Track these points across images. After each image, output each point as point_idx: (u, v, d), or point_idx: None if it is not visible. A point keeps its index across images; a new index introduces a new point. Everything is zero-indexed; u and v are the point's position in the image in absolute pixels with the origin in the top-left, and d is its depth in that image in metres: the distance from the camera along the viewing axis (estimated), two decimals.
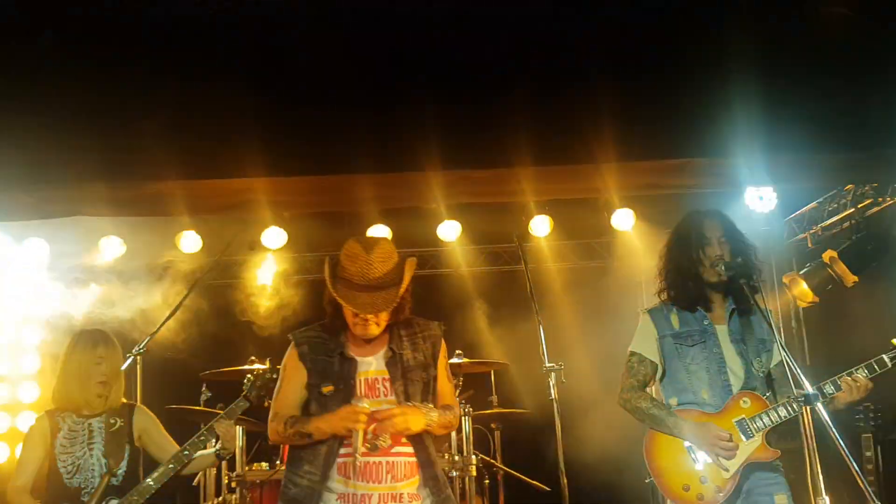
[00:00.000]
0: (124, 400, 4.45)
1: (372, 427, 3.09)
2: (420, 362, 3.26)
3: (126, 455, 4.23)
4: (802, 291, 6.64)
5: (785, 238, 7.36)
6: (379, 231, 7.05)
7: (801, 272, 6.72)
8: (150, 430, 4.37)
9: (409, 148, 4.19)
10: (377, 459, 3.15)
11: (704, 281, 3.70)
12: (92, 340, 4.35)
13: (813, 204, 6.94)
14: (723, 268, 3.60)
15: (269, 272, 7.27)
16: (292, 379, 3.29)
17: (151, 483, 4.12)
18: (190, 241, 6.91)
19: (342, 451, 3.16)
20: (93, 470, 4.16)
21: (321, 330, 3.32)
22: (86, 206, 4.56)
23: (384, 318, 3.20)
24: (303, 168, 4.30)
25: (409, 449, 3.21)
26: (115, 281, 6.54)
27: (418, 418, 3.11)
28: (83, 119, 3.98)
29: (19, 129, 4.01)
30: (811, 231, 7.04)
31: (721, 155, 4.33)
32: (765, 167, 4.50)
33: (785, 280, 6.80)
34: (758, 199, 6.84)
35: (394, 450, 3.18)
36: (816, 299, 6.60)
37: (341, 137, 4.23)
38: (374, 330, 3.20)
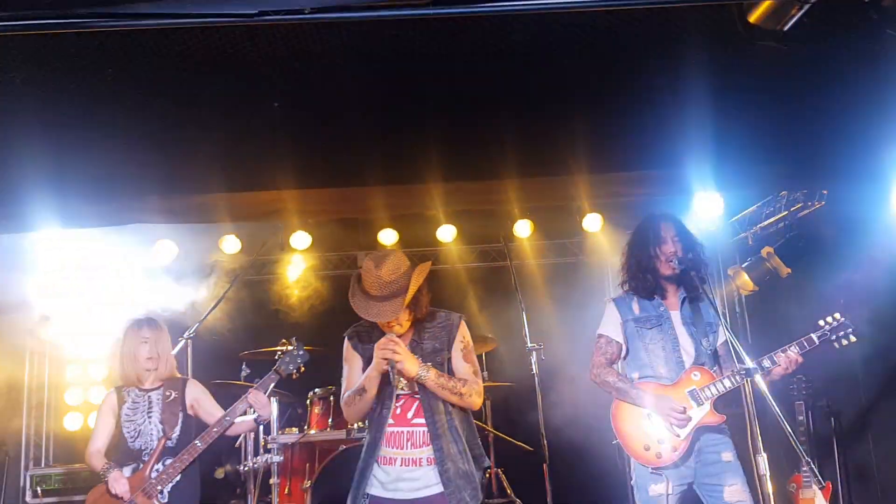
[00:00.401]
0: (178, 374, 4.46)
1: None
2: (436, 348, 3.25)
3: (180, 422, 4.24)
4: (744, 282, 6.63)
5: (729, 237, 7.34)
6: (388, 234, 7.08)
7: (743, 265, 6.70)
8: (201, 399, 4.37)
9: (414, 164, 4.19)
10: (400, 429, 3.17)
11: (660, 273, 3.70)
12: (138, 325, 4.37)
13: (753, 207, 6.90)
14: (676, 262, 3.60)
15: (297, 269, 7.27)
16: (353, 365, 3.31)
17: (199, 444, 4.14)
18: (231, 244, 6.90)
19: (389, 422, 3.18)
20: (151, 434, 4.18)
21: (365, 325, 3.32)
22: (144, 214, 4.56)
23: (403, 318, 3.18)
24: (325, 181, 4.30)
25: (423, 420, 3.20)
26: (170, 278, 6.55)
27: (412, 364, 3.10)
28: (144, 141, 3.97)
29: (90, 149, 4.00)
30: (751, 231, 7.01)
31: (675, 167, 4.32)
32: (711, 176, 4.50)
33: (729, 272, 6.79)
34: (706, 203, 6.85)
35: (414, 420, 3.18)
36: (756, 288, 6.58)
37: (357, 156, 4.22)
38: (398, 329, 3.18)
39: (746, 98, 4.21)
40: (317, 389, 5.80)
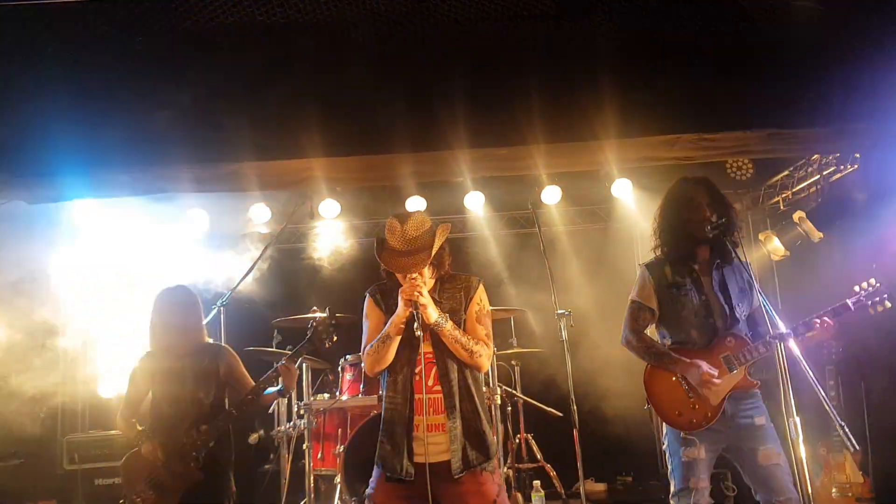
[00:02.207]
0: (210, 340, 4.51)
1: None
2: (453, 308, 3.31)
3: (214, 388, 4.27)
4: (776, 247, 6.60)
5: (761, 202, 7.28)
6: (415, 201, 7.07)
7: (775, 230, 6.68)
8: (233, 366, 4.39)
9: (441, 131, 4.19)
10: (420, 396, 3.22)
11: (693, 238, 3.67)
12: (170, 293, 4.40)
13: (785, 172, 6.84)
14: (709, 227, 3.57)
15: (326, 237, 7.31)
16: (373, 318, 3.37)
17: (234, 411, 4.21)
18: (261, 213, 6.93)
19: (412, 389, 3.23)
20: (185, 400, 4.21)
21: (387, 284, 3.38)
22: (174, 183, 4.59)
23: (427, 274, 3.27)
24: (353, 150, 4.30)
25: (439, 387, 3.25)
26: (202, 247, 6.60)
27: (433, 310, 3.17)
28: (173, 111, 4.00)
29: (120, 119, 4.04)
30: (783, 195, 6.96)
31: (707, 131, 4.28)
32: (748, 139, 4.44)
33: (761, 237, 6.75)
34: (738, 168, 6.78)
35: (434, 388, 3.23)
36: (788, 253, 6.55)
37: (384, 124, 4.23)
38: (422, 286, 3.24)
39: (779, 65, 4.16)
40: (348, 356, 5.85)
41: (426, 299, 3.16)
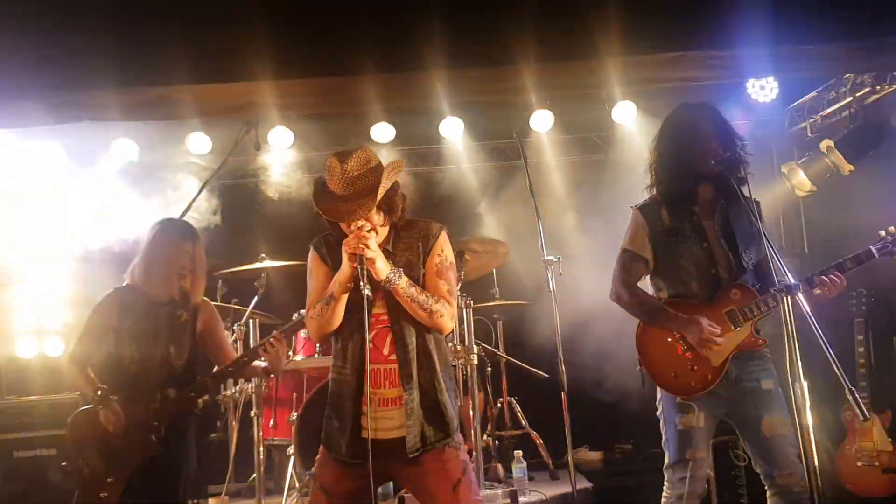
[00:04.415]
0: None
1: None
2: (410, 262, 3.31)
3: (188, 347, 4.27)
4: (801, 181, 6.68)
5: (786, 127, 7.38)
6: (382, 129, 7.12)
7: (800, 161, 6.75)
8: (212, 325, 4.41)
9: (413, 48, 4.18)
10: (377, 367, 3.25)
11: (694, 175, 3.72)
12: (181, 232, 4.36)
13: (813, 93, 6.93)
14: (713, 161, 3.61)
15: (277, 171, 7.33)
16: (318, 276, 3.38)
17: (209, 381, 4.26)
18: (198, 143, 6.97)
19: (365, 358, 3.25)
20: (155, 359, 4.18)
21: (333, 236, 3.38)
22: (97, 110, 4.60)
23: (378, 222, 3.25)
24: (308, 70, 4.29)
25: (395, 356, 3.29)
26: (129, 183, 6.63)
27: (383, 264, 3.18)
28: (94, 25, 3.98)
29: (29, 36, 4.02)
30: (811, 120, 7.05)
31: (722, 47, 4.31)
32: (766, 58, 4.49)
33: (784, 170, 6.83)
34: (759, 89, 6.86)
35: (391, 357, 3.27)
36: (815, 188, 6.64)
37: (345, 39, 4.22)
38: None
39: None
40: (302, 311, 5.94)
41: (374, 252, 3.14)
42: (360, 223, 3.16)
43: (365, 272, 3.12)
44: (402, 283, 3.21)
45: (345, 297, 3.24)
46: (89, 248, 6.32)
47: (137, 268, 4.33)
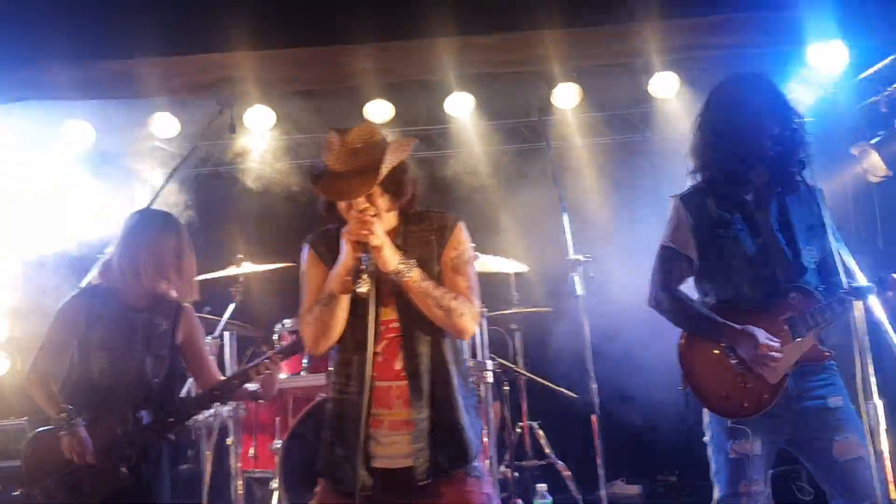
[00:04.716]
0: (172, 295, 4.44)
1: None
2: (423, 257, 3.29)
3: (166, 361, 4.29)
4: (874, 164, 6.65)
5: (856, 101, 7.35)
6: (380, 108, 7.11)
7: (873, 142, 6.73)
8: (193, 335, 4.43)
9: (415, 11, 4.20)
10: (387, 384, 3.25)
11: (747, 157, 3.69)
12: (163, 223, 4.39)
13: (886, 60, 6.91)
14: (768, 141, 3.61)
15: (255, 158, 7.35)
16: (315, 278, 3.35)
17: (192, 407, 4.31)
18: (164, 125, 6.94)
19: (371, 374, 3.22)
20: (128, 373, 4.18)
21: (334, 231, 3.35)
22: (48, 89, 4.62)
23: (383, 206, 3.24)
24: (291, 39, 4.33)
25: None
26: (82, 171, 6.65)
27: (390, 253, 3.15)
28: None
29: None
30: (886, 93, 7.02)
31: (778, 6, 4.30)
32: (832, 18, 4.48)
33: (854, 151, 6.80)
34: (823, 57, 6.84)
35: (404, 372, 3.25)
36: (890, 173, 6.63)
37: (335, 1, 4.24)
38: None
39: None
40: (286, 321, 5.99)
41: (380, 239, 3.11)
42: (363, 205, 3.16)
43: (370, 262, 3.09)
44: (415, 275, 3.19)
45: (347, 298, 3.20)
46: (41, 251, 6.33)
47: (114, 265, 4.31)
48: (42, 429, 4.20)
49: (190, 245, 4.40)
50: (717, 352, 3.70)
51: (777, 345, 3.60)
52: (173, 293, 4.38)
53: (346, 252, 3.16)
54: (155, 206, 5.83)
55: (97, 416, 4.10)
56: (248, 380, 4.28)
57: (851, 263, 3.22)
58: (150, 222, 4.37)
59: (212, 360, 4.50)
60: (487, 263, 6.23)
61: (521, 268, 6.60)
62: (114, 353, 4.18)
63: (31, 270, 6.36)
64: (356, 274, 3.09)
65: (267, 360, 4.22)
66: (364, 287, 3.05)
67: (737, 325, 3.65)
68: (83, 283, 4.43)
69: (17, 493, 4.23)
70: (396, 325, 3.29)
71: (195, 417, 5.83)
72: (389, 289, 3.26)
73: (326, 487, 3.35)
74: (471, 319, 3.27)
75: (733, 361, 3.67)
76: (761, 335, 3.60)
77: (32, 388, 4.18)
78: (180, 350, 4.38)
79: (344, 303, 3.21)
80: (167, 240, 4.30)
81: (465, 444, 3.27)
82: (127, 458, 4.09)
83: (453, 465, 3.25)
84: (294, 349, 4.35)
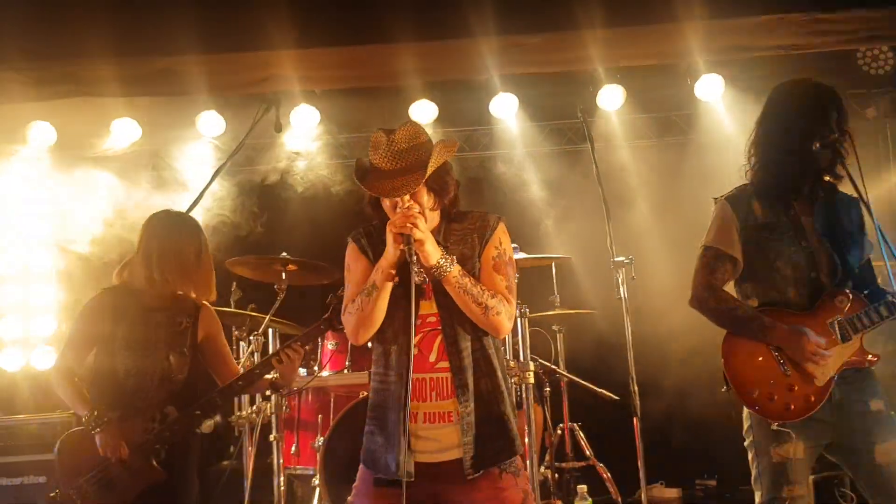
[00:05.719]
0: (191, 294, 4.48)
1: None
2: (464, 255, 3.36)
3: (189, 359, 4.34)
4: None
5: None
6: (423, 108, 7.13)
7: None
8: (213, 333, 4.47)
9: (457, 10, 4.19)
10: (422, 376, 3.30)
11: (806, 163, 3.66)
12: (183, 225, 4.44)
13: None
14: (826, 149, 3.57)
15: (301, 157, 7.38)
16: (358, 270, 3.44)
17: (217, 399, 4.27)
18: (210, 124, 7.00)
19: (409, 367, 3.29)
20: (152, 373, 4.24)
21: (377, 226, 3.44)
22: (92, 85, 4.65)
23: (427, 205, 3.31)
24: (335, 38, 4.33)
25: (447, 363, 3.31)
26: (129, 168, 6.69)
27: (433, 247, 3.21)
28: None
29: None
30: None
31: (830, 7, 4.24)
32: (883, 20, 4.41)
33: None
34: (872, 60, 6.74)
35: (439, 364, 3.31)
36: None
37: (378, 2, 4.24)
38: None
39: None
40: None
41: (423, 233, 3.19)
42: (408, 202, 3.23)
43: (413, 254, 3.16)
44: (455, 270, 3.25)
45: (388, 288, 3.29)
46: (88, 249, 6.39)
47: (135, 266, 4.38)
48: (74, 429, 4.29)
49: (207, 245, 4.46)
50: (762, 353, 3.66)
51: (824, 342, 3.58)
52: (192, 293, 4.43)
53: (389, 245, 3.23)
54: (200, 204, 5.89)
55: (125, 415, 4.16)
56: (270, 369, 4.32)
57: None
58: (170, 224, 4.42)
59: (232, 357, 4.51)
60: (529, 263, 6.21)
61: (563, 268, 6.57)
62: (138, 353, 4.24)
63: (76, 267, 6.41)
64: (399, 266, 3.22)
65: (287, 349, 4.23)
66: (419, 278, 3.19)
67: (785, 325, 3.61)
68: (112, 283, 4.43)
69: (53, 493, 4.25)
70: (434, 319, 3.36)
71: (237, 413, 5.91)
72: (430, 284, 3.33)
73: (365, 477, 3.40)
74: (507, 318, 3.34)
75: (780, 362, 3.63)
76: (811, 334, 3.57)
77: (60, 385, 4.26)
78: (200, 348, 4.43)
79: (386, 292, 3.29)
80: (187, 241, 4.36)
81: (511, 436, 3.34)
82: (157, 454, 4.15)
83: (501, 458, 3.30)
84: (315, 333, 4.33)
